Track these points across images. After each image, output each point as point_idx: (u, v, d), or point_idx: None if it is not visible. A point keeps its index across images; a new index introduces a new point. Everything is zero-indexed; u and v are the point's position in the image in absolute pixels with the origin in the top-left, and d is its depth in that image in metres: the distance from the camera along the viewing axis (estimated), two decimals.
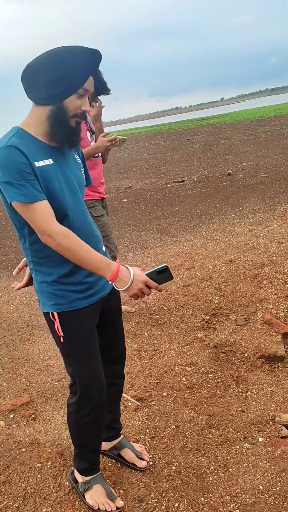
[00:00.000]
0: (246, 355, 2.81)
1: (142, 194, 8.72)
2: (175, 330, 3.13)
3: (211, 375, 2.64)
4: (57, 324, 1.59)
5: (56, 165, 1.49)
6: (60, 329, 1.60)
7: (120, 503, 1.78)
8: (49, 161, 1.47)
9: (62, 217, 1.49)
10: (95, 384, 1.67)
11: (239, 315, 3.22)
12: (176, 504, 1.79)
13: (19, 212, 1.43)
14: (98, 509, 1.75)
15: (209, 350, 2.87)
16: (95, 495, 1.78)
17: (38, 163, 1.43)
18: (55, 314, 1.58)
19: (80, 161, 1.68)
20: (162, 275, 1.50)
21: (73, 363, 1.66)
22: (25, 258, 1.66)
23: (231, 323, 3.16)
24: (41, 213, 1.40)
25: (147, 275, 1.48)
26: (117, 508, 1.76)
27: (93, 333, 1.67)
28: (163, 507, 1.78)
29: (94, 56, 1.44)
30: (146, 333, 3.13)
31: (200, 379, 2.59)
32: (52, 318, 1.60)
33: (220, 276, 3.78)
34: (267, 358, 2.77)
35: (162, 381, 2.58)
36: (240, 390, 2.52)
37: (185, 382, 2.56)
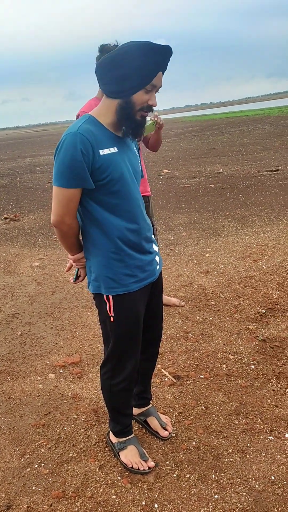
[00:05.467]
0: None
1: (231, 181, 8.60)
2: (227, 318, 3.19)
3: (253, 366, 2.68)
4: (109, 305, 1.72)
5: (120, 153, 1.61)
6: (112, 310, 1.72)
7: (151, 463, 1.95)
8: (114, 149, 1.58)
9: (122, 201, 1.62)
10: (131, 360, 1.83)
11: None
12: (188, 475, 1.93)
13: (53, 193, 1.58)
14: (132, 467, 1.94)
15: (257, 343, 2.89)
16: (129, 455, 1.97)
17: (103, 151, 1.54)
18: (110, 296, 1.71)
19: (137, 154, 1.78)
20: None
21: (116, 340, 1.78)
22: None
23: (286, 320, 3.13)
24: (68, 202, 1.55)
25: None
26: (149, 468, 1.93)
27: (141, 316, 1.80)
28: (174, 475, 1.93)
29: (164, 53, 1.50)
30: (198, 317, 3.24)
31: (240, 369, 2.65)
32: (105, 300, 1.72)
33: (286, 271, 3.72)
34: None
35: (202, 364, 2.69)
36: (279, 386, 2.53)
37: (224, 369, 2.64)
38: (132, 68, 1.49)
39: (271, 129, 18.61)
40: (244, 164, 10.49)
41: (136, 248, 1.70)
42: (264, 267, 3.88)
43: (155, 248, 1.84)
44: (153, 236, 1.82)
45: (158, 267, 1.84)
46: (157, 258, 1.83)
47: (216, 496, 1.82)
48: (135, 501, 1.81)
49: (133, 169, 1.68)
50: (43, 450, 2.09)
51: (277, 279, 3.62)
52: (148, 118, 2.52)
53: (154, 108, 1.64)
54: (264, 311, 3.25)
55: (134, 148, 1.77)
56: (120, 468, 1.96)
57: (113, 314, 1.73)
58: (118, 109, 1.56)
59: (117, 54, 1.50)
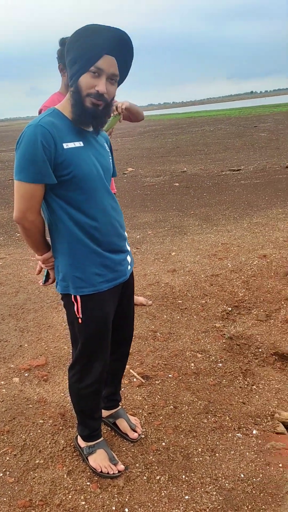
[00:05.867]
0: (260, 350, 2.82)
1: (195, 180, 8.68)
2: (195, 317, 3.20)
3: (220, 364, 2.69)
4: (77, 306, 1.65)
5: (86, 148, 1.55)
6: (80, 311, 1.66)
7: (121, 466, 1.90)
8: (79, 143, 1.53)
9: (88, 198, 1.55)
10: (101, 362, 1.78)
11: (262, 310, 3.22)
12: (158, 477, 1.90)
13: (15, 188, 1.51)
14: (101, 471, 1.88)
15: (224, 341, 2.91)
16: (98, 459, 1.91)
17: (67, 145, 1.49)
18: (78, 297, 1.64)
19: (108, 150, 1.73)
20: None
21: (84, 342, 1.72)
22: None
23: (252, 317, 3.17)
24: (30, 197, 1.49)
25: None
26: (119, 471, 1.89)
27: (110, 316, 1.75)
28: (145, 478, 1.90)
29: (106, 34, 1.43)
30: (165, 316, 3.22)
31: (208, 367, 2.66)
32: (72, 300, 1.65)
33: (251, 269, 3.77)
34: (281, 356, 2.77)
35: (171, 363, 2.68)
36: (246, 383, 2.55)
37: (192, 367, 2.64)
38: (75, 50, 1.45)
39: (232, 130, 18.95)
40: (207, 163, 10.61)
41: (106, 247, 1.65)
42: (230, 265, 3.92)
43: (128, 247, 1.80)
44: (126, 234, 1.78)
45: (129, 267, 1.79)
46: (128, 258, 1.79)
47: (186, 497, 1.81)
48: (105, 507, 1.77)
49: (101, 165, 1.62)
50: (8, 458, 2.01)
51: (242, 277, 3.66)
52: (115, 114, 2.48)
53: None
54: (230, 309, 3.28)
55: (105, 143, 1.71)
56: (89, 473, 1.91)
57: (81, 316, 1.67)
58: (71, 96, 1.51)
59: (69, 39, 1.48)
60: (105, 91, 1.48)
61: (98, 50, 1.44)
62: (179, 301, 3.42)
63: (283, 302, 3.27)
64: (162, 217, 6.08)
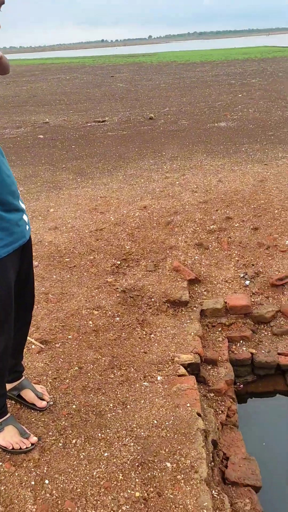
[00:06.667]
0: (153, 299, 2.89)
1: (60, 132, 8.27)
2: (85, 274, 3.11)
3: (118, 318, 2.69)
4: None
5: None
6: None
7: (33, 439, 1.79)
8: None
9: None
10: (5, 335, 1.62)
11: (149, 261, 3.28)
12: (74, 441, 1.85)
13: None
14: (12, 448, 1.75)
15: (118, 295, 2.90)
16: (7, 436, 1.77)
17: None
18: None
19: None
20: None
21: None
22: None
23: (141, 268, 3.21)
24: None
25: None
26: (32, 444, 1.78)
27: (12, 284, 1.59)
28: (60, 444, 1.83)
29: None
30: (54, 276, 3.07)
31: (106, 322, 2.63)
32: None
33: (134, 221, 3.78)
34: (172, 303, 2.88)
35: (68, 324, 2.58)
36: (144, 332, 2.61)
37: (91, 325, 2.59)
38: None
39: (89, 79, 18.42)
40: (70, 114, 10.18)
41: (2, 206, 1.45)
42: (112, 219, 3.87)
43: (22, 205, 1.60)
44: (18, 191, 1.57)
45: (27, 227, 1.62)
46: (25, 217, 1.61)
47: (106, 454, 1.80)
48: (23, 483, 1.66)
49: None
50: None
51: (127, 230, 3.66)
52: None
53: None
54: (119, 262, 3.26)
55: None
56: None
57: None
58: None
59: None
60: None
61: None
62: (67, 259, 3.28)
63: (168, 251, 3.37)
64: (32, 172, 5.68)
